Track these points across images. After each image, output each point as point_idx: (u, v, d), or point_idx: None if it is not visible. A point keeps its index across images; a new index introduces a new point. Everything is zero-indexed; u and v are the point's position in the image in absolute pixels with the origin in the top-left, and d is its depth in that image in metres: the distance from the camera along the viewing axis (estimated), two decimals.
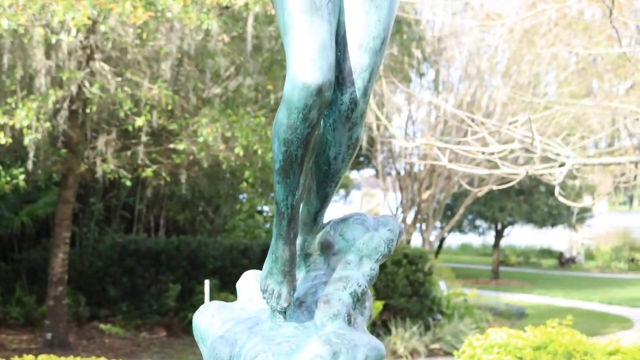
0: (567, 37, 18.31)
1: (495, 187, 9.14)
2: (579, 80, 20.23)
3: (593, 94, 21.85)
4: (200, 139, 12.29)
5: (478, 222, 30.76)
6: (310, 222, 3.46)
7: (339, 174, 3.38)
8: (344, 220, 3.46)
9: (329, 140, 3.30)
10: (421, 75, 18.10)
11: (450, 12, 17.64)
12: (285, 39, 3.07)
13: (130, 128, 12.47)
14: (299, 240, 3.41)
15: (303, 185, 3.20)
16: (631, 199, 51.87)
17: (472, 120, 12.34)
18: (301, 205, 3.32)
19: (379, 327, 15.78)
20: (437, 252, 26.55)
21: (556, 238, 37.95)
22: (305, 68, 2.96)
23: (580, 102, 14.12)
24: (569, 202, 8.73)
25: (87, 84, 12.14)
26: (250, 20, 11.36)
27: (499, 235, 29.88)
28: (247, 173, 13.46)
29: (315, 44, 3.01)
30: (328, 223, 3.49)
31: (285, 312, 3.24)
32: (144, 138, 12.68)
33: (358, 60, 3.22)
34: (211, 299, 13.19)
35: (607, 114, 14.25)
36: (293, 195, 3.17)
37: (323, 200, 3.44)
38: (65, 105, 12.30)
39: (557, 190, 8.29)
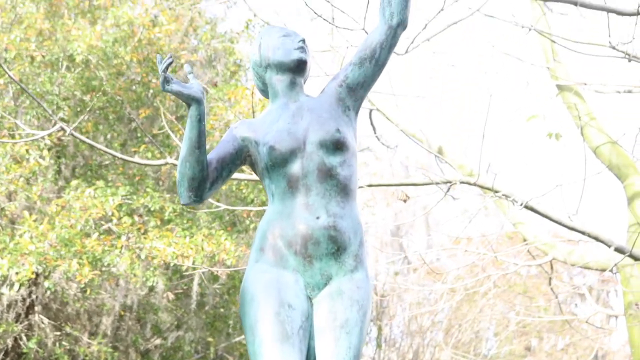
0: (507, 297, 18.62)
1: None
2: (520, 339, 20.37)
3: (533, 352, 21.97)
4: None
5: None
6: None
7: None
8: None
9: None
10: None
11: (392, 271, 17.94)
12: None
13: None
14: None
15: None
16: None
17: None
18: None
19: None
20: None
21: None
22: None
23: None
24: None
25: (24, 337, 11.81)
26: (197, 279, 11.36)
27: None
28: None
29: None
30: None
31: None
32: None
33: None
34: None
35: None
36: None
37: None
38: None
39: None
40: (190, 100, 3.41)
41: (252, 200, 11.42)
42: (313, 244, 3.40)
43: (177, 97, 3.42)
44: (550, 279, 11.69)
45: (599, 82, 10.36)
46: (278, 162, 3.50)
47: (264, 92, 3.81)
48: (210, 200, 10.04)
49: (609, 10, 6.87)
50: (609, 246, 8.12)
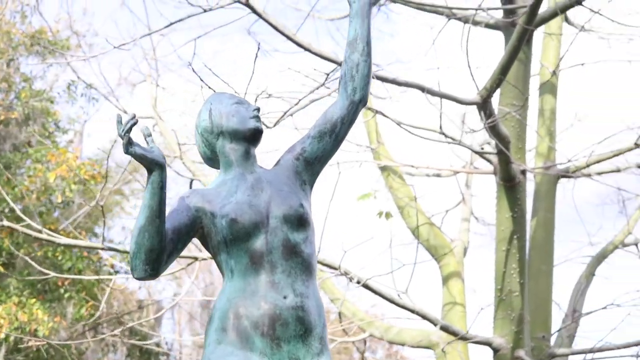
0: None
1: None
2: None
3: None
4: None
5: None
6: None
7: None
8: None
9: None
10: None
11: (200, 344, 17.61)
12: None
13: None
14: None
15: None
16: None
17: None
18: None
19: None
20: None
21: None
22: None
23: None
24: None
25: None
26: (3, 350, 10.63)
27: None
28: None
29: None
30: None
31: None
32: None
33: None
34: None
35: None
36: None
37: None
38: None
39: None
40: (154, 166, 3.20)
41: (69, 269, 10.87)
42: (281, 325, 3.26)
43: (139, 161, 3.18)
44: (362, 354, 11.90)
45: (417, 164, 10.81)
46: (240, 236, 3.34)
47: (212, 160, 3.62)
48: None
49: (451, 98, 7.23)
50: (435, 324, 8.39)
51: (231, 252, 3.37)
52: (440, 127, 7.91)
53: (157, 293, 15.90)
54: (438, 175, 12.05)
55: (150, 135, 3.24)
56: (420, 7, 9.08)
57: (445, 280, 10.54)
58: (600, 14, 8.39)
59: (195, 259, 6.95)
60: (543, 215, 9.66)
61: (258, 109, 3.63)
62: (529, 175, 9.38)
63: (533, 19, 6.77)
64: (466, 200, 12.15)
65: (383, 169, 10.89)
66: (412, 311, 8.25)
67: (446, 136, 8.18)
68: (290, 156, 3.63)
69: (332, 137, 3.61)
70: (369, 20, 3.66)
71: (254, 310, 3.28)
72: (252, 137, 3.58)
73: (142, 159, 3.17)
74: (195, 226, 3.40)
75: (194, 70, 4.75)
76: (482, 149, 9.91)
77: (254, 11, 5.77)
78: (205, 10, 5.85)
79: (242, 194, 3.44)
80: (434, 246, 10.59)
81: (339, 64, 6.08)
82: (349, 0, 3.70)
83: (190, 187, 11.12)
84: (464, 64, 7.09)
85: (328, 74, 5.52)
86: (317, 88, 5.57)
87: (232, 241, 3.36)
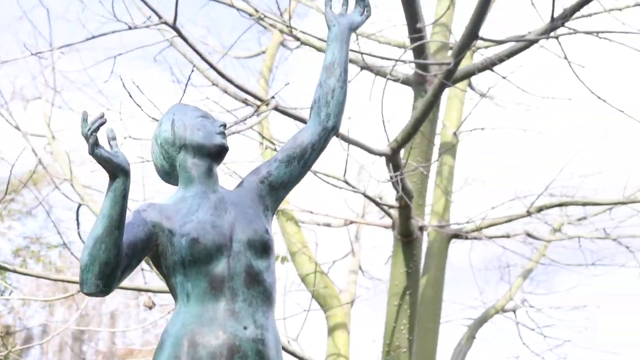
0: None
1: None
2: None
3: None
4: None
5: None
6: None
7: None
8: None
9: None
10: None
11: None
12: None
13: None
14: None
15: None
16: None
17: None
18: None
19: None
20: None
21: None
22: None
23: None
24: None
25: None
26: None
27: None
28: None
29: None
30: None
31: None
32: None
33: None
34: None
35: None
36: None
37: None
38: None
39: None
40: (118, 172, 2.94)
41: None
42: (240, 358, 3.02)
43: (103, 164, 2.91)
44: None
45: (315, 211, 10.74)
46: (201, 258, 3.09)
47: (169, 174, 3.38)
48: None
49: (363, 147, 7.20)
50: None
51: (189, 275, 3.13)
52: (344, 175, 7.85)
53: (26, 319, 15.23)
54: (328, 225, 11.97)
55: (114, 138, 3.00)
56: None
57: (331, 330, 10.44)
58: (509, 81, 8.60)
59: None
60: (433, 274, 9.71)
61: (224, 125, 3.45)
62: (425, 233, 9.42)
63: (452, 75, 6.83)
64: (355, 252, 12.14)
65: (279, 212, 10.77)
66: (302, 359, 8.11)
67: (349, 184, 8.10)
68: (254, 178, 3.43)
69: (300, 162, 3.44)
70: (348, 47, 3.54)
71: (212, 339, 3.04)
72: (217, 153, 3.37)
73: (107, 163, 2.92)
74: (151, 243, 3.14)
75: (125, 88, 4.52)
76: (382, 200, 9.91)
77: (180, 34, 5.60)
78: (130, 28, 5.66)
79: (205, 213, 3.22)
80: (323, 295, 10.50)
81: (261, 100, 5.97)
82: (329, 23, 3.58)
83: (77, 213, 10.71)
84: (372, 115, 7.08)
85: (259, 106, 5.39)
86: (245, 119, 5.43)
87: (191, 262, 3.12)
